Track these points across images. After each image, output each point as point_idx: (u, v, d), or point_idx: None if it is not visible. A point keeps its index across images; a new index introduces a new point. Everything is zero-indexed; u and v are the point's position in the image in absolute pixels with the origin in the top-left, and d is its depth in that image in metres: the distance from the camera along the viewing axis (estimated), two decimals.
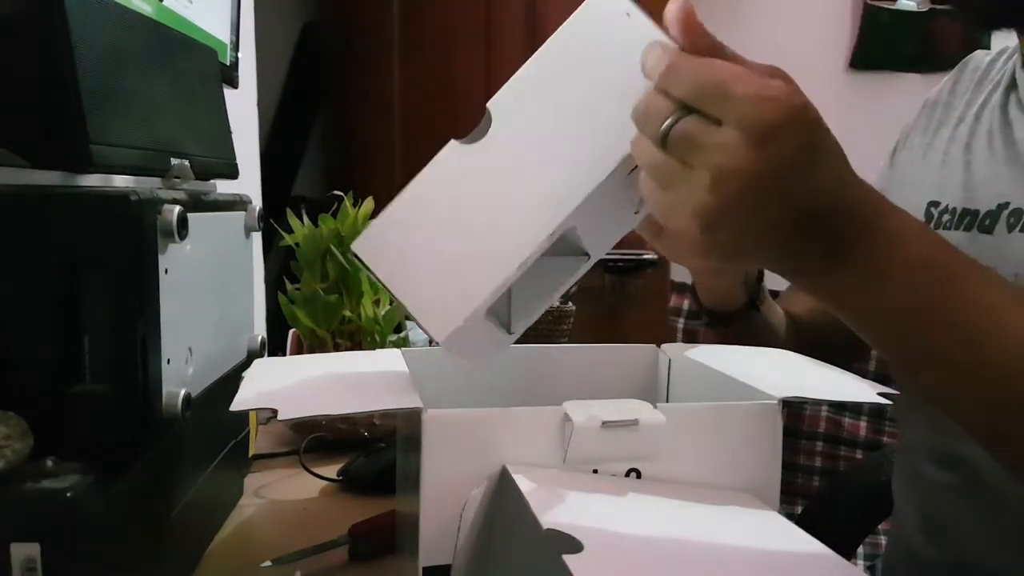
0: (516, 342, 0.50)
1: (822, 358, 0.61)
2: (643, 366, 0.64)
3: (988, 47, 0.80)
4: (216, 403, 0.55)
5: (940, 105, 0.77)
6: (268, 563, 0.58)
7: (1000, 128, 0.67)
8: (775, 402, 0.47)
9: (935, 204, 0.69)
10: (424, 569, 0.43)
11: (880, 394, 0.50)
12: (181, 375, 0.50)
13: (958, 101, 0.75)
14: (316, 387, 0.51)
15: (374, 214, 0.90)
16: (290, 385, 0.51)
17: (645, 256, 1.74)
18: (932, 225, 0.69)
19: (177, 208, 0.47)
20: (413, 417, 0.43)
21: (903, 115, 0.83)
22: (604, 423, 0.43)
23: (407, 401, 0.44)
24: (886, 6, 2.21)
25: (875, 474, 0.97)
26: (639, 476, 0.45)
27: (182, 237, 0.48)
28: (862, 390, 0.52)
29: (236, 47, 1.14)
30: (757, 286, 0.76)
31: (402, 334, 0.93)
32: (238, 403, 0.45)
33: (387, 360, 0.56)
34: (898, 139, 0.82)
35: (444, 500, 0.43)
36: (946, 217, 0.68)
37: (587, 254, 0.48)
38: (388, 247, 0.45)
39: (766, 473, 0.47)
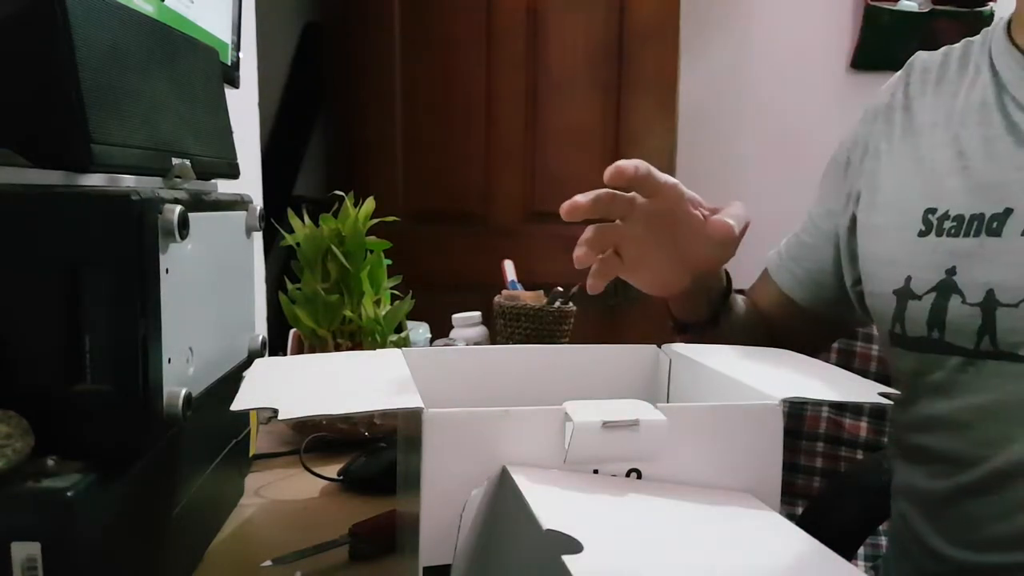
0: (516, 341, 0.50)
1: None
2: (643, 366, 0.64)
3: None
4: (217, 403, 0.55)
5: (898, 110, 0.77)
6: (268, 562, 0.58)
7: (1006, 131, 0.67)
8: (776, 402, 0.47)
9: (932, 211, 0.69)
10: (424, 569, 0.43)
11: (881, 394, 0.50)
12: (182, 375, 0.50)
13: (918, 105, 0.75)
14: (317, 387, 0.51)
15: (376, 214, 0.91)
16: (291, 385, 0.51)
17: None
18: (933, 232, 0.69)
19: (178, 208, 0.47)
20: (413, 417, 0.43)
21: None
22: (604, 423, 0.43)
23: (407, 401, 0.44)
24: (887, 7, 2.21)
25: (876, 475, 0.96)
26: (639, 476, 0.45)
27: (183, 237, 0.48)
28: (863, 390, 0.52)
29: (237, 47, 1.14)
30: (722, 301, 0.78)
31: (403, 334, 0.93)
32: (239, 403, 0.45)
33: (388, 360, 0.56)
34: (846, 153, 0.81)
35: (444, 500, 0.43)
36: (948, 224, 0.68)
37: None
38: None
39: (766, 473, 0.47)
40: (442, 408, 0.43)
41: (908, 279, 0.69)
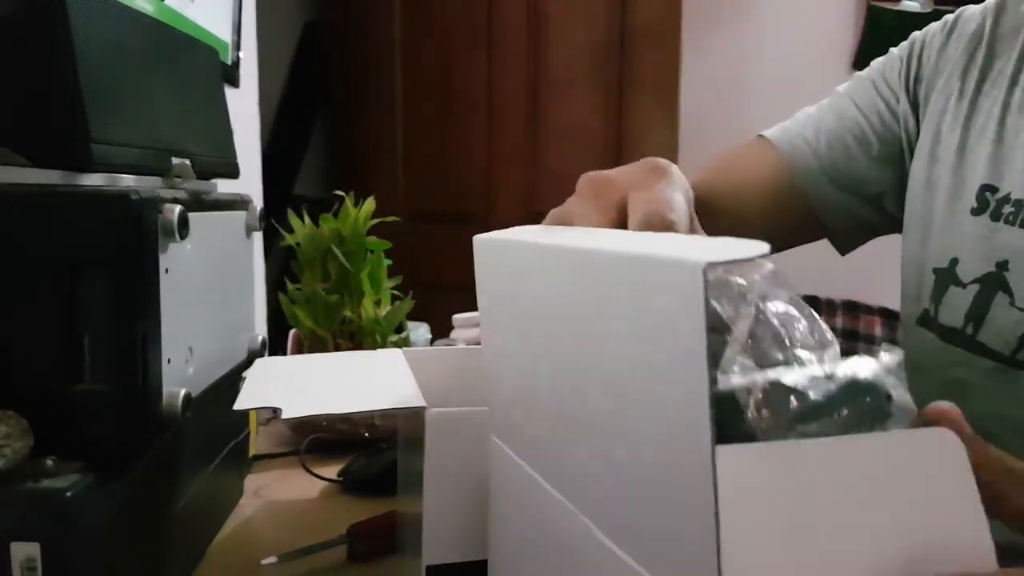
0: None
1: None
2: None
3: None
4: (216, 403, 0.55)
5: (983, 45, 0.63)
6: (272, 559, 0.58)
7: None
8: None
9: (992, 189, 0.60)
10: (428, 568, 0.43)
11: None
12: (181, 375, 0.50)
13: (1003, 48, 0.63)
14: (318, 386, 0.51)
15: (376, 214, 0.91)
16: (293, 384, 0.51)
17: None
18: (989, 215, 0.60)
19: (178, 207, 0.47)
20: (415, 417, 0.43)
21: None
22: None
23: (410, 400, 0.44)
24: (889, 7, 2.21)
25: None
26: None
27: (183, 236, 0.47)
28: None
29: (237, 46, 1.14)
30: None
31: (403, 334, 0.93)
32: (241, 402, 0.45)
33: (388, 360, 0.56)
34: (915, 48, 0.69)
35: (447, 498, 0.43)
36: (1008, 209, 0.59)
37: None
38: None
39: None
40: (443, 408, 0.43)
41: (954, 261, 0.62)
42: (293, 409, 0.42)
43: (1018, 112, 0.61)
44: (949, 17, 0.69)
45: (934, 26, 0.70)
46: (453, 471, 0.43)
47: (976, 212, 0.61)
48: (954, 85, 0.65)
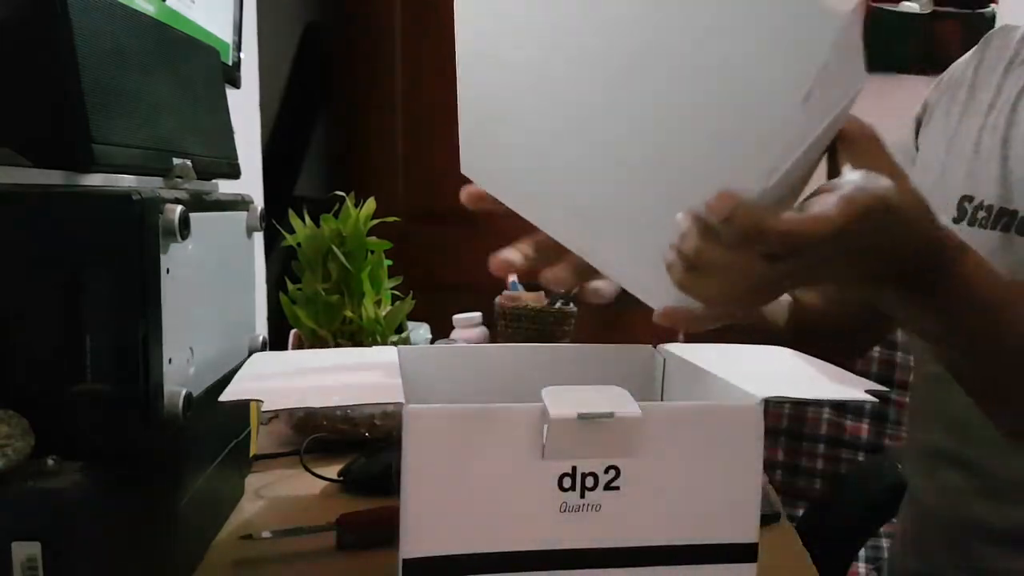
0: (517, 342, 0.50)
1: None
2: (639, 366, 0.64)
3: None
4: (217, 403, 0.55)
5: (964, 86, 0.73)
6: (267, 533, 0.60)
7: None
8: (756, 402, 0.47)
9: (968, 199, 0.67)
10: (404, 561, 0.43)
11: (870, 392, 0.50)
12: (182, 375, 0.50)
13: (984, 82, 0.71)
14: (306, 381, 0.51)
15: (376, 214, 0.91)
16: (281, 378, 0.51)
17: None
18: (966, 221, 0.67)
19: (179, 208, 0.47)
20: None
21: (907, 117, 0.82)
22: (580, 415, 0.43)
23: (390, 396, 0.44)
24: (889, 8, 2.21)
25: (877, 477, 0.96)
26: (618, 474, 0.45)
27: (184, 237, 0.48)
28: (851, 389, 0.51)
29: (238, 47, 1.14)
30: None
31: (403, 334, 0.93)
32: (227, 394, 0.46)
33: (381, 357, 0.56)
34: (918, 115, 0.78)
35: (424, 493, 0.43)
36: (981, 214, 0.66)
37: None
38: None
39: (747, 473, 0.47)
40: (432, 404, 0.43)
41: None
42: (276, 402, 0.43)
43: (992, 132, 0.68)
44: (943, 76, 0.78)
45: (929, 92, 0.79)
46: (431, 466, 0.43)
47: (956, 220, 0.68)
48: (939, 125, 0.75)
